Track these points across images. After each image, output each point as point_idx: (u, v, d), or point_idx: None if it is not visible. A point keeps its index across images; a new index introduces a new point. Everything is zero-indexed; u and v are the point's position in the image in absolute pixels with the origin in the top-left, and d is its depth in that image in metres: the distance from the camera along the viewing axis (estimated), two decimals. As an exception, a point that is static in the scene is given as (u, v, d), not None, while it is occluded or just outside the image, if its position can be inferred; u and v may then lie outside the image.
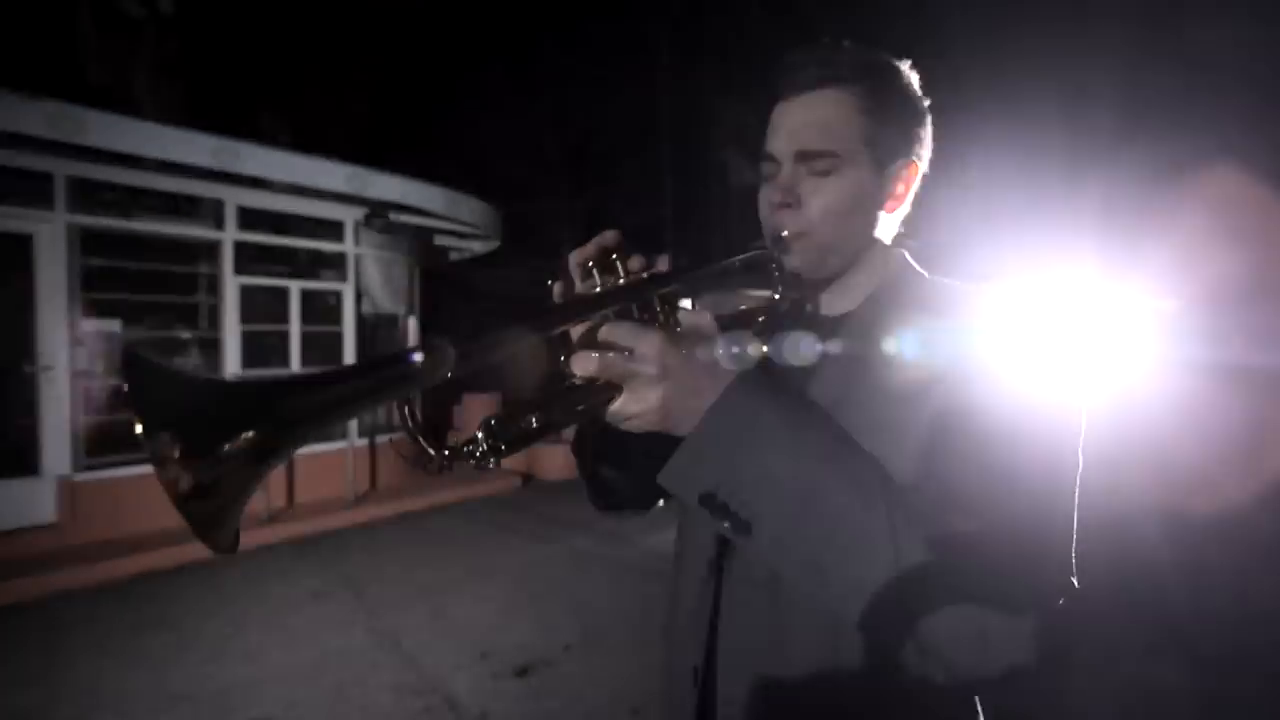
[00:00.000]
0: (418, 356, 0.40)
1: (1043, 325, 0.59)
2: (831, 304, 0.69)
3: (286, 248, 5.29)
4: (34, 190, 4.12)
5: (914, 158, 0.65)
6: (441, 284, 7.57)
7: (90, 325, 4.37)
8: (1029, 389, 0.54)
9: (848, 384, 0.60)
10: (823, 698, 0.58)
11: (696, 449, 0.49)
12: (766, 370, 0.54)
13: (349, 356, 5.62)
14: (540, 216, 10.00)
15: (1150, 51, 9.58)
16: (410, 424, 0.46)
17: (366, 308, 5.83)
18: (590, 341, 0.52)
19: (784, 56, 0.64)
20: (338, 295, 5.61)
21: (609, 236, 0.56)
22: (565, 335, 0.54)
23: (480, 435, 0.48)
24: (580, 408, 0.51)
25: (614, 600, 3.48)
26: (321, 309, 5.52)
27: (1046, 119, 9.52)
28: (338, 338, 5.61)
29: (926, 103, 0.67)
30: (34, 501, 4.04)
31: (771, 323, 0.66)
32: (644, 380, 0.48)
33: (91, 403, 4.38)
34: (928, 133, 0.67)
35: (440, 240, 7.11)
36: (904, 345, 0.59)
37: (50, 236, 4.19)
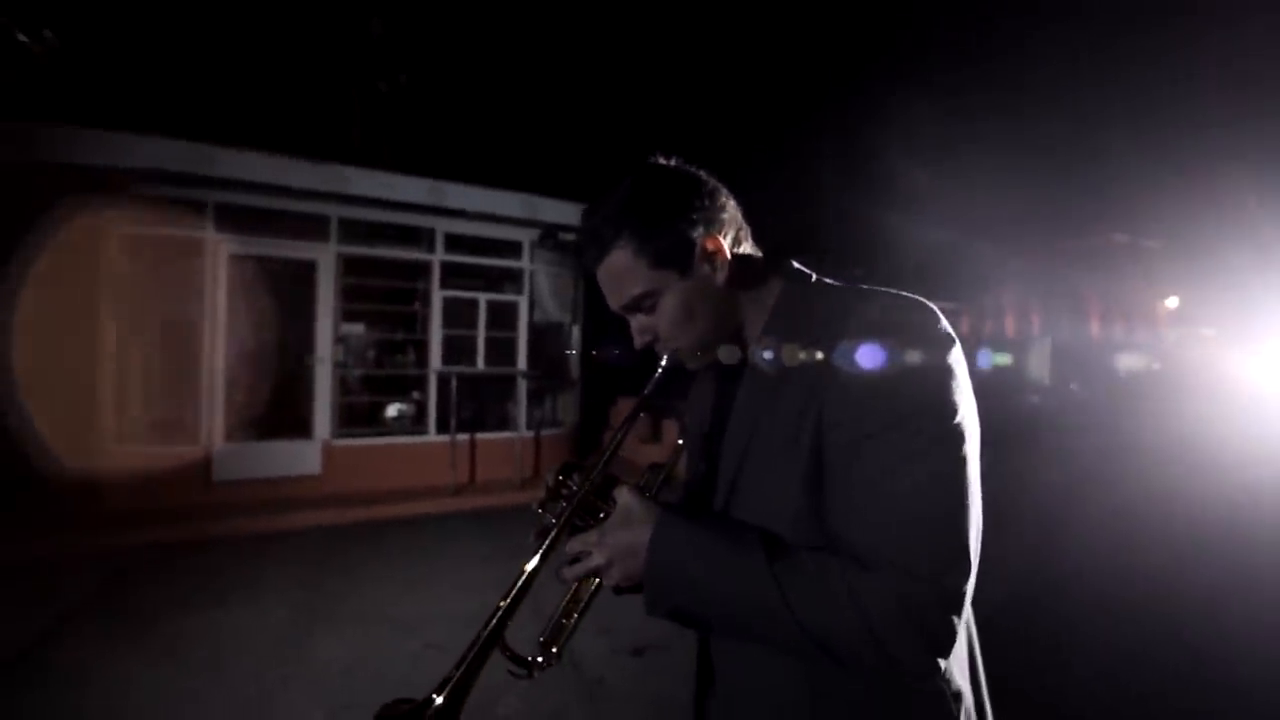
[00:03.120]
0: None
1: (921, 326, 0.63)
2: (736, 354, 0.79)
3: (478, 266, 6.34)
4: (317, 228, 5.60)
5: (703, 232, 0.72)
6: (603, 296, 8.26)
7: (346, 328, 5.77)
8: (908, 388, 0.60)
9: (754, 420, 0.70)
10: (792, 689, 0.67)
11: (650, 592, 0.66)
12: (677, 507, 0.71)
13: (522, 359, 6.50)
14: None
15: None
16: (505, 652, 0.66)
17: (538, 316, 6.68)
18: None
19: (577, 239, 0.76)
20: (515, 305, 6.53)
21: (552, 473, 0.77)
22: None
23: (541, 657, 0.70)
24: (586, 597, 0.74)
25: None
26: (502, 317, 6.47)
27: None
28: (514, 342, 6.53)
29: (681, 181, 0.74)
30: (307, 457, 5.46)
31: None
32: (602, 568, 0.67)
33: (345, 387, 5.77)
34: (700, 201, 0.72)
35: (603, 255, 7.80)
36: (783, 375, 0.68)
37: (326, 262, 5.64)
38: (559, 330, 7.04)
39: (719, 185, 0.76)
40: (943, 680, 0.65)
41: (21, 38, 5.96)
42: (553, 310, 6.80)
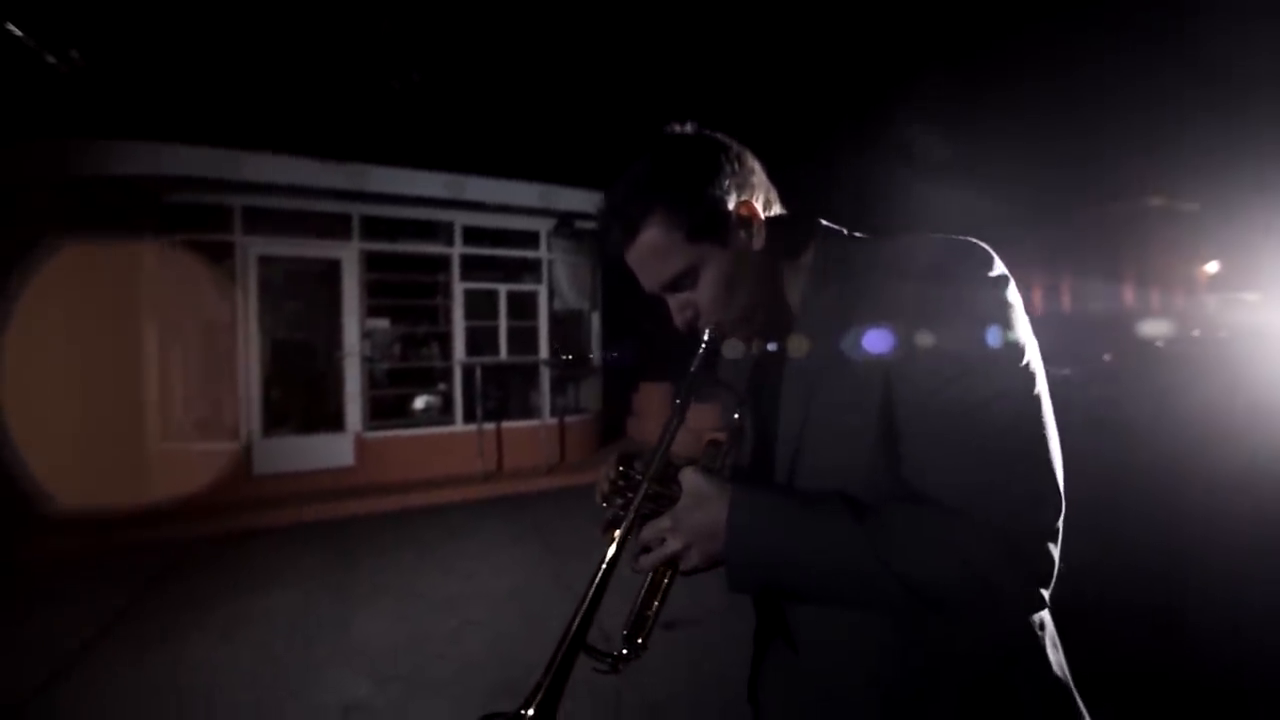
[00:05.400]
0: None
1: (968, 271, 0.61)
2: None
3: (497, 257, 6.41)
4: (340, 227, 5.73)
5: (737, 198, 0.69)
6: (621, 282, 8.31)
7: (372, 323, 5.91)
8: (966, 337, 0.59)
9: (811, 385, 0.68)
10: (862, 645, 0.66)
11: (734, 569, 0.64)
12: (750, 480, 0.70)
13: (543, 347, 6.58)
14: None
15: None
16: (590, 650, 0.65)
17: (557, 305, 6.74)
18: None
19: (597, 223, 0.74)
20: (534, 295, 6.60)
21: (610, 464, 0.76)
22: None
23: (625, 648, 0.69)
24: (665, 584, 0.71)
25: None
26: (522, 307, 6.55)
27: None
28: (534, 331, 6.60)
29: (706, 147, 0.70)
30: (340, 449, 5.64)
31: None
32: (680, 552, 0.65)
33: (373, 380, 5.93)
34: (729, 166, 0.70)
35: (619, 242, 7.81)
36: (838, 335, 0.66)
37: (350, 259, 5.77)
38: (579, 318, 7.09)
39: (744, 148, 0.73)
40: None
41: (50, 59, 6.18)
42: (572, 299, 6.85)
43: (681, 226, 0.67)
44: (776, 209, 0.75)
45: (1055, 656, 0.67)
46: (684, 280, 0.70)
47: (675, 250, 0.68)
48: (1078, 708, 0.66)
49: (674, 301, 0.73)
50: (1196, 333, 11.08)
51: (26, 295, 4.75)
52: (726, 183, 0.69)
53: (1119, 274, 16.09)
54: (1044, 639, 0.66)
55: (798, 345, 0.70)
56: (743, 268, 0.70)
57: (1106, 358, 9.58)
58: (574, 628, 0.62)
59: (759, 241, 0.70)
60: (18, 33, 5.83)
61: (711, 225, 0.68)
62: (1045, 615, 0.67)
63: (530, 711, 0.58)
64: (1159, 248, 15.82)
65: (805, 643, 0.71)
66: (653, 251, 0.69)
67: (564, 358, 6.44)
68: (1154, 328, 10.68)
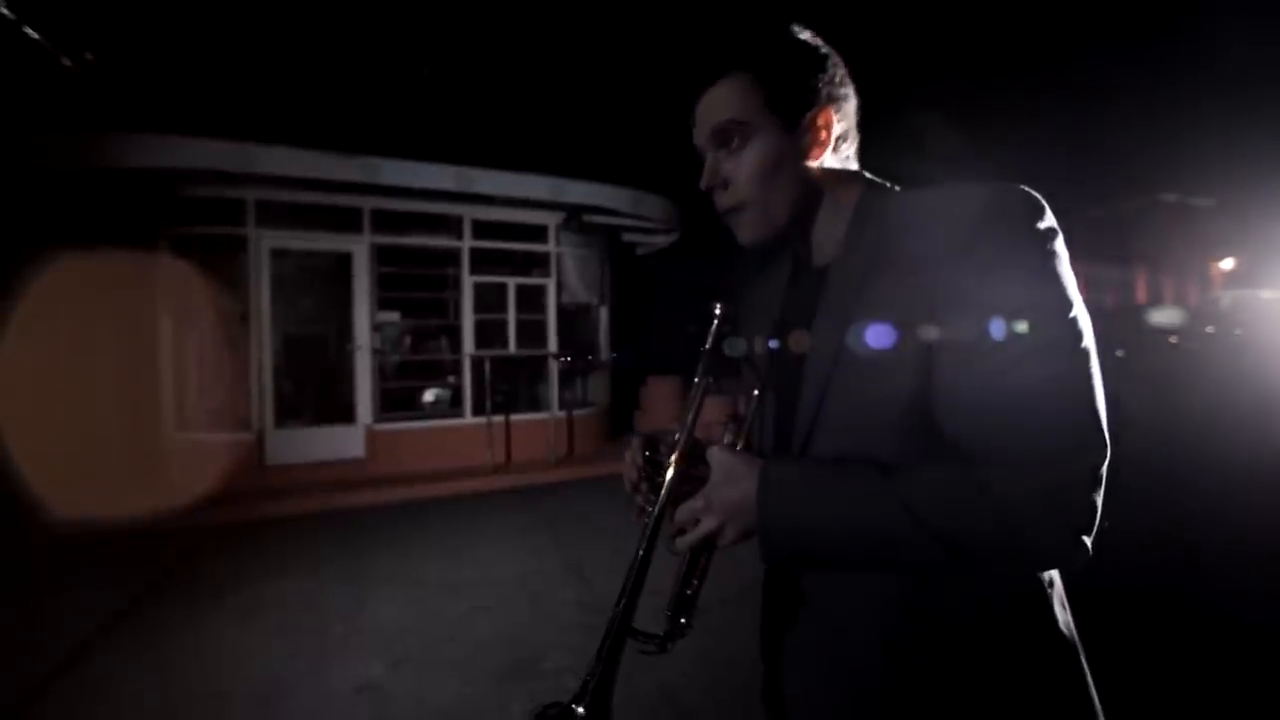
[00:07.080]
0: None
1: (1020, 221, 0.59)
2: (817, 259, 0.74)
3: (506, 251, 6.44)
4: (351, 221, 5.77)
5: (822, 103, 0.68)
6: (630, 276, 8.31)
7: (382, 316, 5.95)
8: (1016, 290, 0.57)
9: (838, 338, 0.66)
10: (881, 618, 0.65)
11: (768, 542, 0.64)
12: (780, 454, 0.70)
13: (552, 341, 6.61)
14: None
15: None
16: (636, 634, 0.68)
17: (566, 299, 6.76)
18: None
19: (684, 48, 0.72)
20: (543, 288, 6.62)
21: (635, 450, 0.77)
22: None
23: (670, 628, 0.71)
24: (702, 561, 0.72)
25: (770, 567, 3.58)
26: (531, 300, 6.57)
27: None
28: (543, 325, 6.63)
29: (824, 50, 0.70)
30: (351, 441, 5.69)
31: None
32: (715, 531, 0.65)
33: (383, 373, 5.97)
34: (832, 74, 0.69)
35: (628, 236, 7.82)
36: (876, 281, 0.64)
37: (361, 253, 5.81)
38: (587, 312, 7.11)
39: (853, 83, 0.72)
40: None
41: (65, 61, 6.27)
42: (580, 292, 6.87)
43: (765, 87, 0.67)
44: (848, 149, 0.73)
45: (1063, 615, 0.66)
46: (736, 134, 0.68)
47: (746, 104, 0.67)
48: (1082, 668, 0.65)
49: (712, 159, 0.71)
50: (1210, 329, 10.95)
51: (43, 287, 4.83)
52: (823, 86, 0.68)
53: (1131, 270, 15.93)
54: (1052, 597, 0.65)
55: (838, 281, 0.68)
56: (793, 164, 0.68)
57: (1118, 354, 9.49)
58: (618, 616, 0.63)
59: (817, 154, 0.69)
60: (34, 35, 5.91)
61: (790, 107, 0.67)
62: (1054, 573, 0.66)
63: (581, 710, 0.59)
64: (1172, 244, 15.65)
65: (814, 599, 0.71)
66: (725, 96, 0.68)
67: (565, 359, 6.45)
68: (1167, 324, 10.57)
